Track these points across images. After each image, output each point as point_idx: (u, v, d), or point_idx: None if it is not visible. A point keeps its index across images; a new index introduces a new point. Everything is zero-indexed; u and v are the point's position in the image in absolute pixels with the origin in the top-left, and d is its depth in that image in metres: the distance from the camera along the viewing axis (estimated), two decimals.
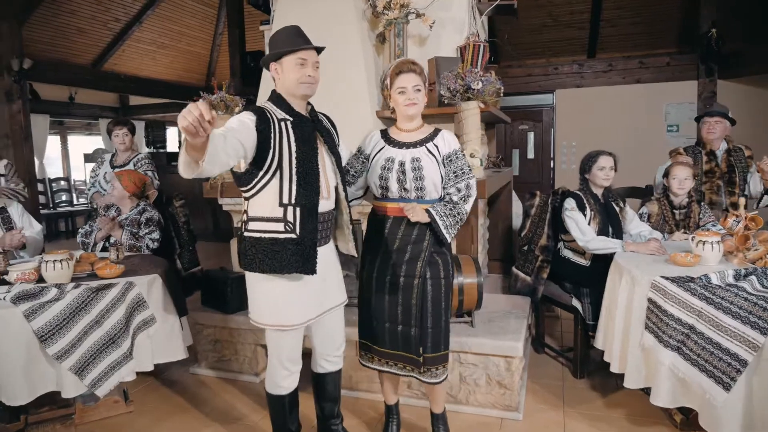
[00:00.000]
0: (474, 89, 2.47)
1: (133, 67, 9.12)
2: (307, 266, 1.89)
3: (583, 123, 7.06)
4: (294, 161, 1.86)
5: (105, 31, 8.23)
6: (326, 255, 2.02)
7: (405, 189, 2.03)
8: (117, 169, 3.48)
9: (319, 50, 1.96)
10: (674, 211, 3.05)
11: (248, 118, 1.79)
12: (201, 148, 1.48)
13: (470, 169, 2.09)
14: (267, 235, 1.88)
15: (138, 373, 2.32)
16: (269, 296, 1.95)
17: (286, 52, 1.88)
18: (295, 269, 1.87)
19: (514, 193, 4.10)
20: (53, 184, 9.16)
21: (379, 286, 2.10)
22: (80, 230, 3.16)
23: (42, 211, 7.59)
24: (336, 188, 2.02)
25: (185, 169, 1.56)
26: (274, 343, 2.01)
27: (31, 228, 3.07)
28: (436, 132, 2.11)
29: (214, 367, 3.12)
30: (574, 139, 7.14)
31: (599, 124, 6.94)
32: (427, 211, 2.00)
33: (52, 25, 7.41)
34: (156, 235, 3.06)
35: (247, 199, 1.93)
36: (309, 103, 2.03)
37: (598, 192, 2.99)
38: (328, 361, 2.18)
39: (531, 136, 7.53)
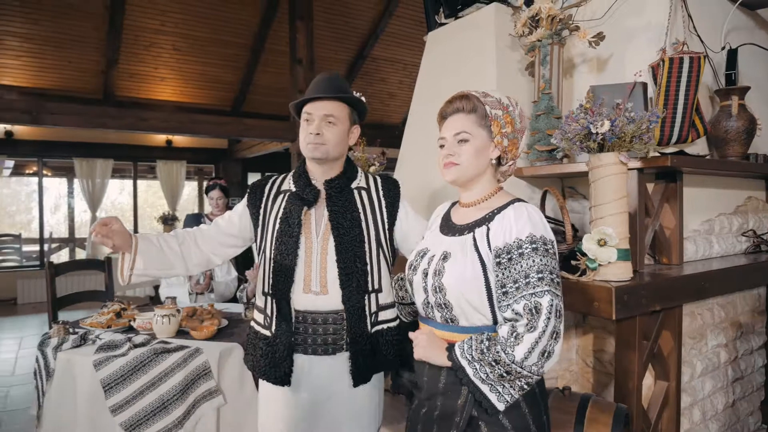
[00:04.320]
0: (596, 134, 1.47)
1: None
2: (273, 374, 1.51)
3: None
4: (273, 242, 1.54)
5: (409, 92, 9.22)
6: (331, 369, 1.53)
7: (428, 303, 1.29)
8: None
9: (347, 101, 1.55)
10: None
11: (245, 197, 1.67)
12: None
13: (541, 277, 1.13)
14: (253, 326, 1.64)
15: None
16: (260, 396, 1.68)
17: (298, 108, 1.58)
18: (262, 374, 1.55)
19: None
20: None
21: None
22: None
23: None
24: (342, 283, 1.50)
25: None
26: None
27: (227, 275, 3.48)
28: (504, 207, 1.26)
29: None
30: None
31: None
32: (450, 349, 1.21)
33: (367, 94, 8.78)
34: None
35: None
36: (350, 166, 1.62)
37: None
38: None
39: None
